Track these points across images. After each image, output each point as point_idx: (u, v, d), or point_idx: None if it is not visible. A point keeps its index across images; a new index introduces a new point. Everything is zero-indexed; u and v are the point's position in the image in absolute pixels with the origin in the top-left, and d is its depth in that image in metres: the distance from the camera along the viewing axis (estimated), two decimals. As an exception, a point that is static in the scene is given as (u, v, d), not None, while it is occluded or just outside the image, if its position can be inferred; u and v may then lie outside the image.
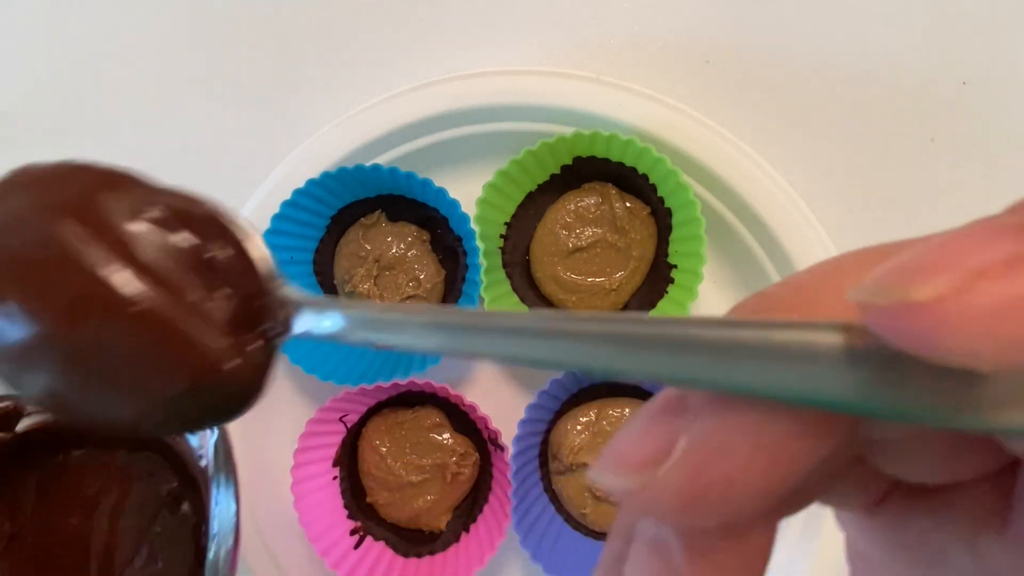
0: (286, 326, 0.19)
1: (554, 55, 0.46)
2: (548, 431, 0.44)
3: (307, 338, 0.19)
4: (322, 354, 0.43)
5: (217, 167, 0.47)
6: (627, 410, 0.42)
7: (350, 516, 0.44)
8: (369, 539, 0.44)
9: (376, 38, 0.47)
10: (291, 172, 0.43)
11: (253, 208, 0.43)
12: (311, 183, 0.41)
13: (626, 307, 0.43)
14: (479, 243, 0.41)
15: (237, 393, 0.19)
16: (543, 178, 0.43)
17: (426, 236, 0.44)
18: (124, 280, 0.18)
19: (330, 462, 0.44)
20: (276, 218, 0.41)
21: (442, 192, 0.40)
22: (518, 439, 0.40)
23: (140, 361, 0.18)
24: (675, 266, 0.42)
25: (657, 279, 0.43)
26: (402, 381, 0.41)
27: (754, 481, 0.12)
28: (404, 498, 0.43)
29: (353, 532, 0.43)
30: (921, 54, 0.45)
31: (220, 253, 0.19)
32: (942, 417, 0.10)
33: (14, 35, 0.48)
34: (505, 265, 0.43)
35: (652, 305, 0.43)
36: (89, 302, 0.18)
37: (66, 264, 0.18)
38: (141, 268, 0.18)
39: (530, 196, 0.44)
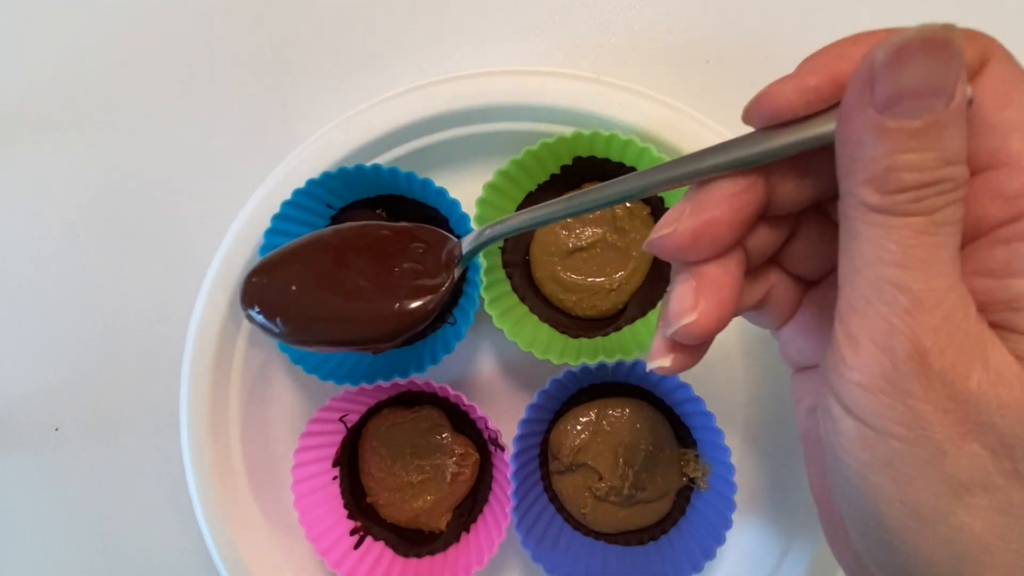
0: (459, 259, 0.34)
1: (554, 55, 0.46)
2: (548, 431, 0.44)
3: (474, 255, 0.34)
4: (322, 354, 0.43)
5: (218, 167, 0.47)
6: (627, 410, 0.42)
7: (350, 516, 0.44)
8: (369, 539, 0.44)
9: (376, 38, 0.47)
10: (291, 172, 0.43)
11: (253, 208, 0.43)
12: (311, 183, 0.41)
13: (626, 307, 0.43)
14: (479, 243, 0.41)
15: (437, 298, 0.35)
16: (543, 178, 0.43)
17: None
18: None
19: (330, 462, 0.44)
20: (276, 218, 0.41)
21: (442, 192, 0.40)
22: (518, 439, 0.40)
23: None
24: (675, 266, 0.42)
25: (657, 279, 0.43)
26: (402, 381, 0.41)
27: (724, 219, 0.23)
28: (404, 498, 0.43)
29: (353, 532, 0.43)
30: (921, 54, 0.45)
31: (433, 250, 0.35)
32: (800, 145, 0.22)
33: (13, 35, 0.48)
34: (505, 265, 0.43)
35: (652, 305, 0.43)
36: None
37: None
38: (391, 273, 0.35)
39: (530, 196, 0.44)
